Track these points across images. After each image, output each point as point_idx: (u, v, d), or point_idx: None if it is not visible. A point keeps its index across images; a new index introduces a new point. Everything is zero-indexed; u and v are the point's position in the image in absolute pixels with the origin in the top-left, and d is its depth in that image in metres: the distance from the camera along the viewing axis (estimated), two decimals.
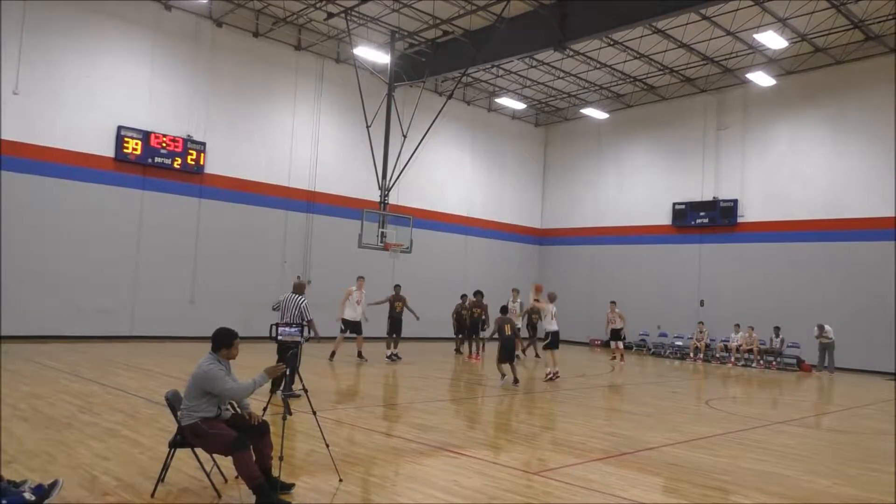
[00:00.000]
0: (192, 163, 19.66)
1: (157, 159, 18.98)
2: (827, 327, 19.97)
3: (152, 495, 5.21)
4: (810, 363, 20.60)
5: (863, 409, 13.16)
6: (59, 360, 13.30)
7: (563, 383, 14.19)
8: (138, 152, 18.64)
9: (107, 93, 18.39)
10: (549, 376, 14.32)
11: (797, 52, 21.58)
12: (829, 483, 6.88)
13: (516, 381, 13.49)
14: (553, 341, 14.55)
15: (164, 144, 19.08)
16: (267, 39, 21.58)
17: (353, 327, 16.10)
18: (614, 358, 19.41)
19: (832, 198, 21.80)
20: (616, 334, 19.89)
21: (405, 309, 17.67)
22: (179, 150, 19.39)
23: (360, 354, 16.13)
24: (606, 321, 20.32)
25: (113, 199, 18.42)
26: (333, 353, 15.87)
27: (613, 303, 20.39)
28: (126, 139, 18.45)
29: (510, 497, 5.76)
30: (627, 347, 25.83)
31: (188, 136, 19.69)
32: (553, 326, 14.66)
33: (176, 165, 19.32)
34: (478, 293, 18.85)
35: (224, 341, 5.55)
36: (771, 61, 22.36)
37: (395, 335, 17.42)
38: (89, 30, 18.09)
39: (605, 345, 25.60)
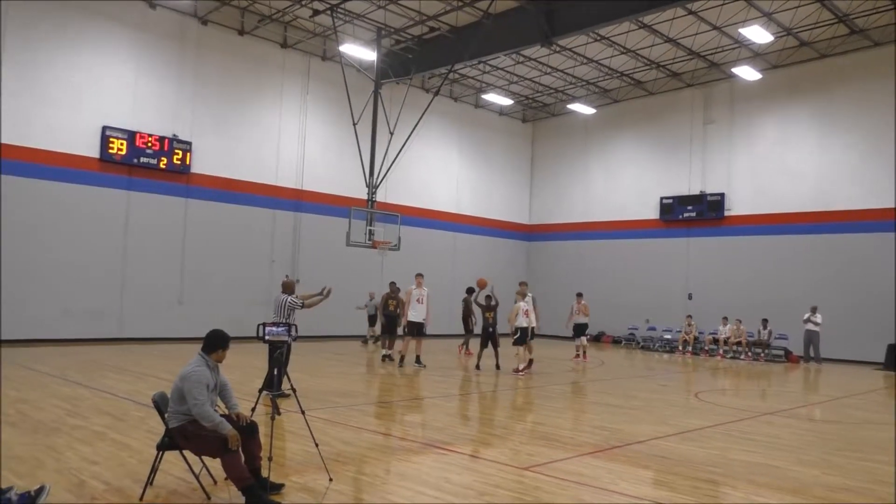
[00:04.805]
0: (179, 162, 19.53)
1: (143, 159, 18.84)
2: (818, 314, 20.06)
3: (141, 498, 5.18)
4: (798, 354, 20.77)
5: (850, 398, 13.27)
6: (47, 363, 13.20)
7: (552, 378, 14.24)
8: (123, 152, 18.50)
9: (91, 92, 18.23)
10: (517, 370, 14.68)
11: (782, 46, 21.71)
12: (818, 473, 6.94)
13: (417, 359, 15.20)
14: (520, 337, 14.86)
15: (149, 144, 18.94)
16: (252, 37, 21.46)
17: (414, 328, 15.39)
18: (577, 356, 18.60)
19: (818, 190, 21.95)
20: (580, 330, 18.92)
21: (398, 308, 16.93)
22: (165, 149, 19.27)
23: (417, 359, 15.31)
24: (570, 315, 19.22)
25: (98, 201, 18.28)
26: (402, 358, 15.38)
27: (580, 295, 19.50)
28: (111, 139, 18.31)
29: (500, 493, 5.77)
30: (616, 342, 26.03)
31: (174, 135, 19.56)
32: (522, 323, 14.87)
33: (162, 165, 19.19)
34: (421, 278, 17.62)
35: (218, 344, 5.52)
36: (757, 55, 22.47)
37: (389, 334, 17.10)
38: (72, 28, 17.92)
39: (597, 339, 25.78)
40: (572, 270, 27.94)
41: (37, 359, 13.71)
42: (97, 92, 18.35)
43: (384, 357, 16.44)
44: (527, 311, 15.05)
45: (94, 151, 18.22)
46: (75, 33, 17.97)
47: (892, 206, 20.21)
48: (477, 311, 16.56)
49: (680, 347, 23.14)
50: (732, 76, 23.30)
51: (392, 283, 17.85)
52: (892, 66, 20.36)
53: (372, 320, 20.93)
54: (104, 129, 18.26)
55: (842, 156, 21.62)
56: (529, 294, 15.82)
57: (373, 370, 15.28)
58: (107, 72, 18.57)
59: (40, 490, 4.81)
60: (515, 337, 15.02)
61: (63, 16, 17.70)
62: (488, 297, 15.85)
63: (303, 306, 10.49)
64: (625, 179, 27.45)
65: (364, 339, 20.98)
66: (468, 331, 19.22)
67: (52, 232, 17.45)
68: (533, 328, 15.42)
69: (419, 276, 15.71)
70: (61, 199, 17.62)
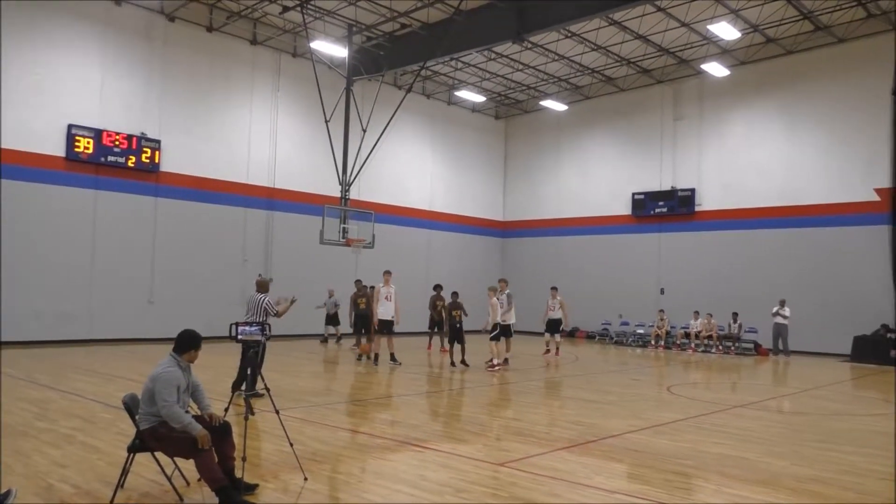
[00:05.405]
0: (147, 161, 19.23)
1: (111, 158, 18.52)
2: (787, 307, 20.36)
3: (111, 501, 5.09)
4: (767, 347, 21.10)
5: (818, 390, 13.51)
6: (14, 365, 12.93)
7: (526, 374, 14.30)
8: (90, 151, 18.17)
9: (56, 90, 17.85)
10: (491, 365, 14.78)
11: (750, 42, 22.02)
12: (788, 464, 7.05)
13: (392, 357, 15.12)
14: (497, 333, 15.05)
15: (116, 143, 18.62)
16: (221, 34, 21.19)
17: (383, 326, 15.29)
18: (548, 352, 18.34)
19: (786, 185, 22.30)
20: (555, 326, 18.38)
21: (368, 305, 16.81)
22: (133, 148, 18.95)
23: (392, 357, 15.23)
24: (546, 309, 18.68)
25: (65, 200, 17.93)
26: (377, 356, 15.29)
27: (555, 289, 19.04)
28: (77, 138, 17.96)
29: (477, 489, 5.78)
30: (590, 337, 26.20)
31: (142, 133, 19.26)
32: (497, 318, 15.05)
33: (130, 164, 18.88)
34: (395, 275, 16.89)
35: (190, 344, 5.45)
36: (724, 52, 22.77)
37: (363, 331, 16.96)
38: (37, 24, 17.52)
39: (571, 335, 25.93)
40: (546, 266, 28.05)
41: (4, 361, 13.39)
42: (62, 90, 17.98)
43: (359, 356, 16.36)
44: (500, 306, 15.14)
45: (59, 150, 17.86)
46: (39, 30, 17.57)
47: (859, 199, 20.63)
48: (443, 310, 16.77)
49: (652, 342, 23.37)
50: (701, 72, 23.57)
51: (358, 282, 17.79)
52: (856, 62, 20.79)
53: (330, 318, 20.72)
54: (70, 127, 17.91)
55: (809, 151, 22.00)
56: (507, 290, 15.84)
57: (347, 369, 15.21)
58: (72, 69, 18.20)
59: (7, 494, 4.73)
60: (493, 333, 15.06)
61: (26, 12, 17.30)
62: (455, 294, 16.02)
63: (277, 314, 10.29)
64: (597, 175, 27.64)
65: (337, 338, 20.85)
66: (430, 327, 19.29)
67: (18, 232, 17.03)
68: (509, 326, 15.50)
69: (387, 273, 15.67)
70: (27, 199, 17.22)
